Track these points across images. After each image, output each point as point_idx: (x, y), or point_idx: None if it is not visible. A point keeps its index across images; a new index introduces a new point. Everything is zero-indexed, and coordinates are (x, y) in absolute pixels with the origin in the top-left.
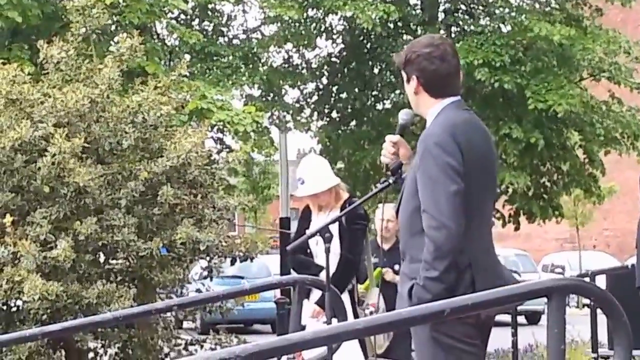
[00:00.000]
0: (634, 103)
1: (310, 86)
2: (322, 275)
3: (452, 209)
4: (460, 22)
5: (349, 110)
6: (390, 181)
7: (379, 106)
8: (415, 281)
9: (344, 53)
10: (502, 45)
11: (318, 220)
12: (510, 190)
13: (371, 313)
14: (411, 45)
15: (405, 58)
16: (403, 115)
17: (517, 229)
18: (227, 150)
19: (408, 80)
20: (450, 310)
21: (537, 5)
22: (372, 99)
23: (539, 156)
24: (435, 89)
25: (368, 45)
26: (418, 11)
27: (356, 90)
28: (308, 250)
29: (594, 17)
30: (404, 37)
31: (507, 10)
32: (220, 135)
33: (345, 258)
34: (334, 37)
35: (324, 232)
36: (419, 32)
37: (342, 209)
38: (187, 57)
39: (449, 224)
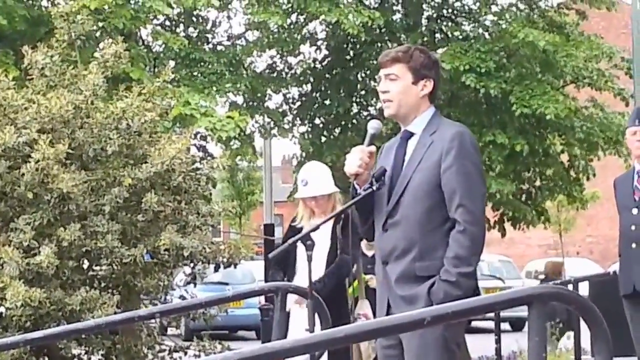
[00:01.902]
0: (616, 109)
1: (294, 92)
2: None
3: (483, 208)
4: (444, 29)
5: (333, 116)
6: (375, 187)
7: (364, 113)
8: (437, 278)
9: (328, 59)
10: (487, 52)
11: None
12: (497, 196)
13: None
14: (424, 52)
15: (424, 62)
16: (375, 125)
17: (503, 235)
18: (210, 157)
19: (416, 82)
20: (430, 318)
21: (519, 13)
22: (357, 105)
23: (522, 163)
24: (434, 96)
25: (352, 52)
26: (401, 17)
27: (340, 96)
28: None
29: (577, 24)
30: (388, 43)
31: (490, 17)
32: (203, 142)
33: (342, 259)
34: (318, 43)
35: (305, 239)
36: (403, 38)
37: (336, 221)
38: (172, 63)
39: (483, 221)
